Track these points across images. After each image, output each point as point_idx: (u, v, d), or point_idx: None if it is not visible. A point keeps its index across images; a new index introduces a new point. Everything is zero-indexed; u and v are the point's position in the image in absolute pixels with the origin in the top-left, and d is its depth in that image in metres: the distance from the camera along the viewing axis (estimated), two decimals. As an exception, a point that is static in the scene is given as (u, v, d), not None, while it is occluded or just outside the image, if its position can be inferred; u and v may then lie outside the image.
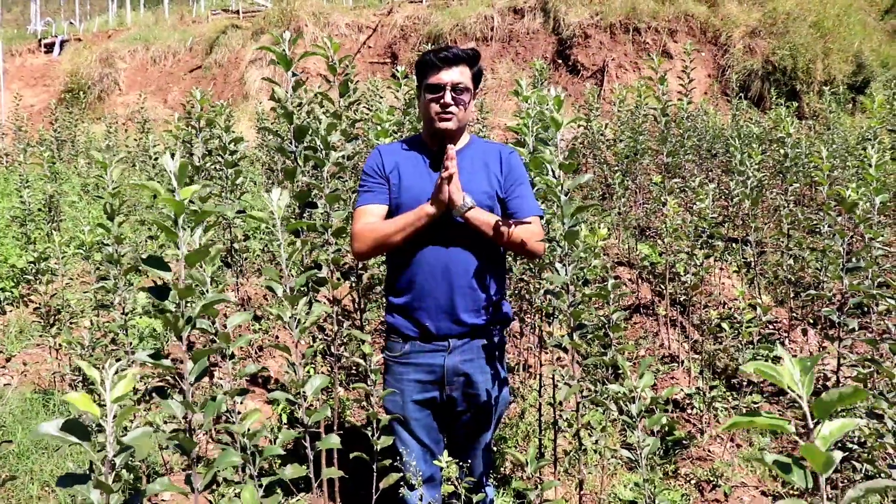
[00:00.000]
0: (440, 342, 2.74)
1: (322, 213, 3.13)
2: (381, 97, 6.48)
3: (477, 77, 2.78)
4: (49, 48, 23.55)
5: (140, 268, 4.68)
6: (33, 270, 5.32)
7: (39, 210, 7.85)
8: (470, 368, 2.76)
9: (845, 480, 3.54)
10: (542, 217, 2.94)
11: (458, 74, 2.68)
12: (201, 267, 2.47)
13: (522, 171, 2.86)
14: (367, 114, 6.49)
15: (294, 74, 2.98)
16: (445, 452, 2.53)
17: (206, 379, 4.45)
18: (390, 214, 2.76)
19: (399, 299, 2.77)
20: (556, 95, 2.68)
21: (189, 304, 1.68)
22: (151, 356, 1.55)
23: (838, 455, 1.12)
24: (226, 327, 2.32)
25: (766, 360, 5.00)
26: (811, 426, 1.16)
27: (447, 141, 2.72)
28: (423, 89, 2.73)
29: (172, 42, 22.19)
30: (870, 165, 3.85)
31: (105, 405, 1.24)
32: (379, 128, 3.80)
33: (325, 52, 3.23)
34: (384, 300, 2.89)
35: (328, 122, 3.08)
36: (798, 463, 1.22)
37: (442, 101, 2.66)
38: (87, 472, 1.28)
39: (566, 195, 2.56)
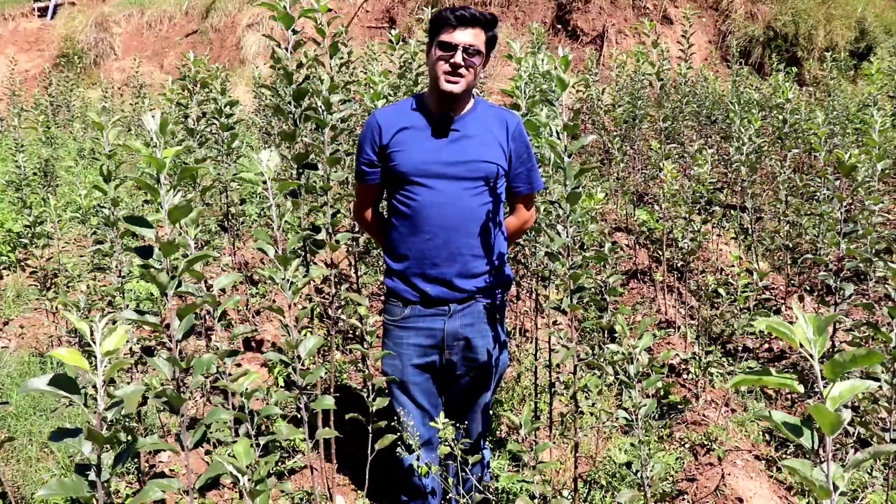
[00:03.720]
0: (441, 307, 2.73)
1: (321, 176, 3.11)
2: (377, 60, 6.41)
3: (491, 42, 2.69)
4: (43, 12, 23.21)
5: (136, 232, 4.66)
6: (29, 235, 5.29)
7: (35, 174, 7.81)
8: (470, 332, 2.77)
9: (837, 444, 3.57)
10: (541, 189, 2.97)
11: (471, 36, 2.59)
12: (185, 229, 2.45)
13: (529, 142, 2.84)
14: (362, 77, 6.42)
15: (295, 32, 2.93)
16: (442, 414, 2.54)
17: (203, 343, 4.46)
18: (391, 182, 2.75)
19: (399, 265, 2.76)
20: (563, 55, 2.64)
21: (175, 263, 1.67)
22: (136, 312, 1.55)
23: (847, 415, 1.11)
24: (216, 289, 2.32)
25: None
26: (821, 387, 1.15)
27: (451, 104, 2.68)
28: (434, 46, 2.63)
29: (168, 6, 21.88)
30: (872, 129, 3.81)
31: (95, 360, 1.24)
32: (373, 91, 3.76)
33: (315, 14, 3.18)
34: (383, 264, 2.88)
35: (330, 83, 3.05)
36: (807, 424, 1.20)
37: (452, 60, 2.57)
38: (79, 427, 1.28)
39: (569, 157, 2.54)
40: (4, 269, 6.32)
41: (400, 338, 2.79)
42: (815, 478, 1.16)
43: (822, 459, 1.17)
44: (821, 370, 1.15)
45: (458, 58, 2.57)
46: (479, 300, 2.77)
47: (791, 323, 1.16)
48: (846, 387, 1.13)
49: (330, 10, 3.21)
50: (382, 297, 2.91)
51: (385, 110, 2.82)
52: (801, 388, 1.17)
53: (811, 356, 1.15)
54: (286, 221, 2.54)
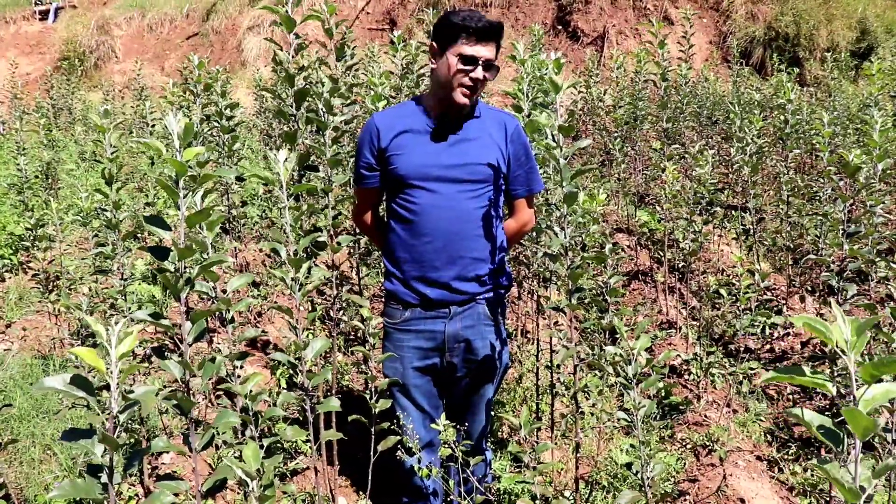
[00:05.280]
0: (441, 309, 2.74)
1: (323, 177, 3.12)
2: (378, 62, 6.42)
3: (498, 52, 2.69)
4: (44, 15, 23.24)
5: (138, 234, 4.65)
6: (31, 237, 5.31)
7: (36, 177, 7.82)
8: (471, 334, 2.77)
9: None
10: (541, 190, 2.98)
11: (489, 50, 2.59)
12: (200, 229, 2.46)
13: (528, 145, 2.85)
14: (364, 79, 6.43)
15: (297, 36, 2.94)
16: (443, 416, 2.55)
17: (206, 344, 4.47)
18: (391, 186, 2.74)
19: (399, 268, 2.76)
20: (555, 58, 2.65)
21: (188, 266, 1.68)
22: (151, 316, 1.56)
23: (882, 421, 1.09)
24: (225, 292, 2.33)
25: (764, 327, 5.02)
26: (855, 389, 1.13)
27: (460, 113, 2.68)
28: (452, 54, 2.58)
29: (169, 9, 21.92)
30: (873, 130, 3.81)
31: (109, 362, 1.25)
32: (373, 93, 3.77)
33: (322, 16, 3.19)
34: (382, 266, 2.88)
35: (331, 85, 3.05)
36: (840, 427, 1.19)
37: (473, 75, 2.56)
38: (92, 429, 1.29)
39: (565, 159, 2.55)
40: (6, 271, 6.34)
41: (400, 340, 2.79)
42: (844, 479, 1.14)
43: (849, 461, 1.16)
44: (856, 372, 1.12)
45: (479, 73, 2.57)
46: (479, 302, 2.78)
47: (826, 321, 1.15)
48: (880, 390, 1.11)
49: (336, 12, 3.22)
50: (384, 300, 2.92)
51: (383, 113, 2.81)
52: (833, 390, 1.15)
53: (847, 357, 1.13)
54: (296, 223, 2.55)
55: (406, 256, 2.73)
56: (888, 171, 4.03)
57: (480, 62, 2.57)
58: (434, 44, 2.67)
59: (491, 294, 2.81)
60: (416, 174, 2.65)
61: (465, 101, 2.62)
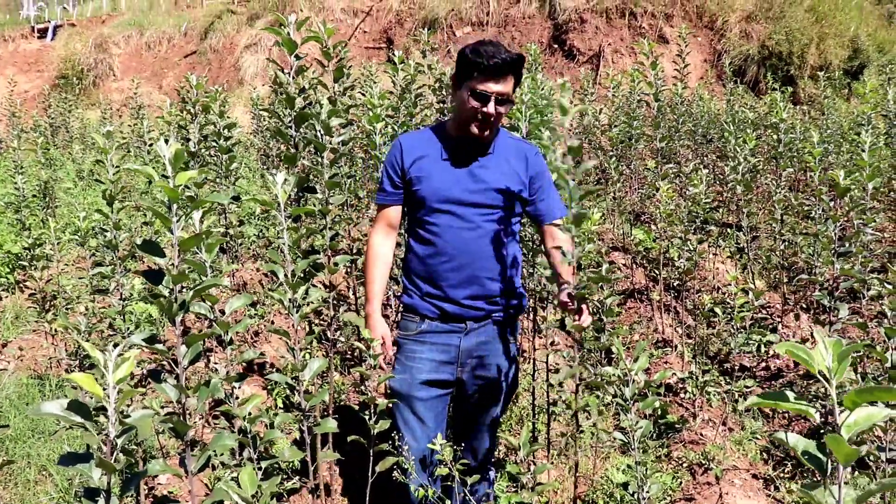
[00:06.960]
0: (458, 324, 2.79)
1: (321, 199, 3.15)
2: (376, 82, 6.47)
3: (517, 82, 2.75)
4: (42, 33, 23.36)
5: (136, 254, 4.66)
6: (28, 256, 5.32)
7: (34, 196, 7.84)
8: (485, 350, 2.82)
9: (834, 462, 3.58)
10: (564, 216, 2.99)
11: (503, 86, 2.64)
12: (199, 250, 2.48)
13: (548, 171, 2.88)
14: (361, 99, 6.47)
15: (298, 58, 2.97)
16: (440, 436, 2.56)
17: (203, 365, 4.47)
18: (413, 207, 2.81)
19: (416, 285, 2.82)
20: (562, 82, 2.68)
21: (183, 289, 1.70)
22: (146, 340, 1.57)
23: (864, 449, 1.10)
24: (223, 313, 2.34)
25: (759, 345, 5.03)
26: (837, 414, 1.13)
27: (478, 142, 2.74)
28: (466, 89, 2.65)
29: (167, 27, 22.04)
30: (863, 150, 3.86)
31: (107, 386, 1.26)
32: (371, 113, 3.81)
33: (321, 38, 3.22)
34: (401, 281, 2.92)
35: (329, 107, 3.09)
36: (822, 450, 1.20)
37: (484, 111, 2.62)
38: (89, 453, 1.30)
39: (573, 180, 2.57)
40: (3, 290, 6.33)
41: (413, 352, 2.82)
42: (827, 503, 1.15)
43: (833, 483, 1.17)
44: (838, 398, 1.13)
45: (491, 108, 2.63)
46: (494, 320, 2.83)
47: (803, 342, 1.17)
48: (862, 415, 1.12)
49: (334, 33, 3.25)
50: (399, 314, 2.94)
51: (410, 135, 2.90)
52: (817, 416, 1.16)
53: (829, 383, 1.13)
54: (295, 244, 2.58)
55: (423, 274, 2.79)
56: (879, 189, 4.07)
57: (492, 97, 2.62)
58: (454, 75, 2.75)
59: (505, 313, 2.86)
60: (436, 197, 2.73)
61: (479, 133, 2.68)
